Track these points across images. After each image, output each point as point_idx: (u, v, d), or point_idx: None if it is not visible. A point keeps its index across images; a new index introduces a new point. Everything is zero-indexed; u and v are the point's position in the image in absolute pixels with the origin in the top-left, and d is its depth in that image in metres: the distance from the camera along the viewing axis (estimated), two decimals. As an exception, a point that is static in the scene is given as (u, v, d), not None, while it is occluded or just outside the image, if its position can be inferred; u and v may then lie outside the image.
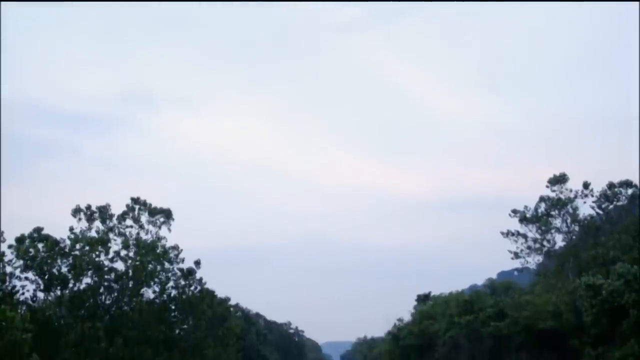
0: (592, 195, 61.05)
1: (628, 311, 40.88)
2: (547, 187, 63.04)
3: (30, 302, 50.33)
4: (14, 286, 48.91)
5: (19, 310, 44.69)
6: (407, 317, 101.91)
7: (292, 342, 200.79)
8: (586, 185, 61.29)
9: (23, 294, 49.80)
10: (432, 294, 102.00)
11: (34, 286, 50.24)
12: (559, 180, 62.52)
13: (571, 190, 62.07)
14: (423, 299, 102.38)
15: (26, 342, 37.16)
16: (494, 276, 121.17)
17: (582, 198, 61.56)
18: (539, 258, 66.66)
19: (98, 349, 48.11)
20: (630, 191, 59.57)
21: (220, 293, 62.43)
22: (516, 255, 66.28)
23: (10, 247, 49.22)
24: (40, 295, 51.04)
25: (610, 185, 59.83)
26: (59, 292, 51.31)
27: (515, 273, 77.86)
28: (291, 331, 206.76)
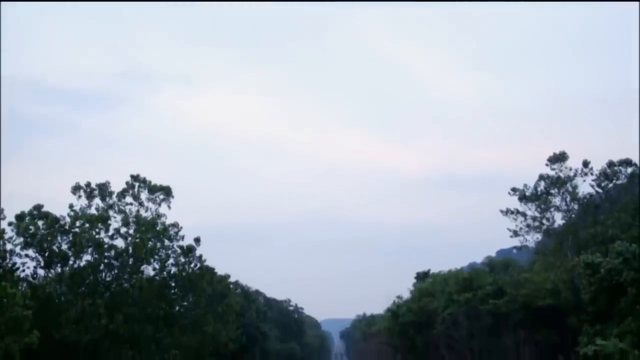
0: (592, 174, 60.92)
1: (626, 289, 41.01)
2: (547, 165, 62.91)
3: (30, 279, 50.53)
4: (15, 263, 49.04)
5: (20, 287, 44.84)
6: (406, 295, 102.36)
7: (292, 319, 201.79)
8: (586, 164, 61.14)
9: (23, 271, 50.04)
10: (431, 272, 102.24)
11: (34, 263, 50.45)
12: (559, 158, 62.36)
13: (571, 169, 61.96)
14: (422, 276, 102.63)
15: (27, 318, 37.36)
16: (493, 254, 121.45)
17: (581, 176, 61.46)
18: (538, 236, 66.73)
19: (98, 326, 48.35)
20: (629, 170, 59.41)
21: (220, 270, 62.71)
22: (515, 234, 66.31)
23: (10, 224, 49.27)
24: (41, 272, 51.27)
25: (610, 164, 59.67)
26: (59, 269, 51.48)
27: (514, 251, 77.86)
28: (291, 308, 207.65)
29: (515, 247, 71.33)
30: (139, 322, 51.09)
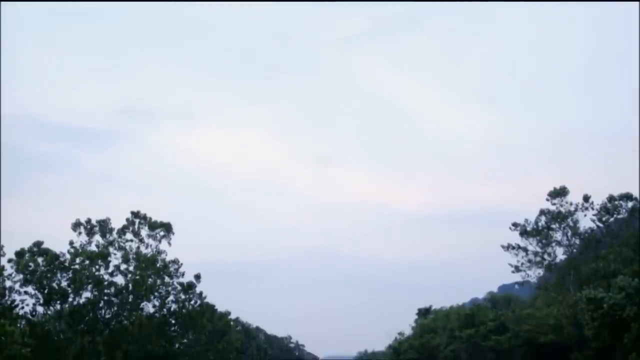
0: (593, 208, 60.94)
1: (629, 324, 40.68)
2: (548, 200, 62.95)
3: (29, 316, 50.27)
4: (14, 300, 48.86)
5: (19, 325, 44.64)
6: (408, 331, 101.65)
7: (293, 356, 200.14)
8: (586, 199, 61.19)
9: (22, 308, 49.80)
10: (433, 308, 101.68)
11: (33, 300, 50.27)
12: (559, 193, 62.44)
13: (571, 204, 61.99)
14: (424, 312, 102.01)
15: (26, 356, 37.10)
16: (495, 290, 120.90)
17: (582, 211, 61.46)
18: (540, 271, 66.45)
19: (98, 363, 47.95)
20: (630, 204, 59.45)
21: (220, 307, 62.45)
22: (517, 269, 66.07)
23: (10, 261, 49.24)
24: (40, 309, 51.04)
25: (611, 198, 59.73)
26: (58, 306, 51.24)
27: (516, 286, 77.54)
28: (291, 345, 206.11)
29: (517, 283, 71.04)
30: (139, 359, 50.68)
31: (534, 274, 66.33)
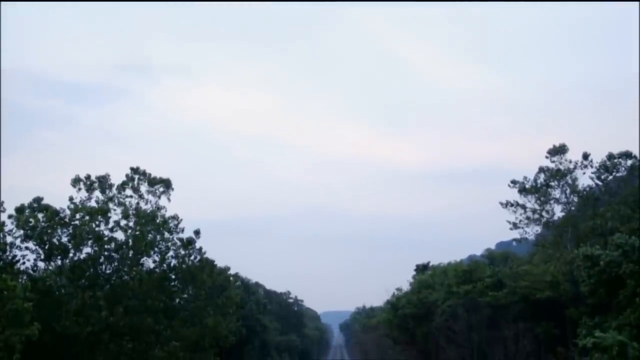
0: (592, 166, 60.95)
1: (625, 281, 41.09)
2: (547, 157, 62.92)
3: (31, 271, 50.60)
4: (15, 256, 49.07)
5: (20, 280, 44.93)
6: (405, 287, 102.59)
7: (292, 311, 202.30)
8: (586, 156, 61.16)
9: (24, 263, 50.05)
10: (431, 264, 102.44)
11: (34, 256, 50.46)
12: (559, 151, 62.37)
13: (570, 161, 61.97)
14: (422, 268, 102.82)
15: (27, 310, 37.48)
16: (493, 247, 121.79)
17: (581, 169, 61.48)
18: (538, 229, 66.82)
19: (99, 318, 48.46)
20: (629, 162, 59.43)
21: (220, 263, 62.78)
22: (515, 226, 66.40)
23: (10, 217, 49.28)
24: (41, 264, 51.33)
25: (610, 156, 59.67)
26: (59, 262, 51.56)
27: (514, 243, 78.00)
28: (290, 301, 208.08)
29: (514, 240, 71.44)
30: (139, 314, 51.17)
31: (532, 231, 66.72)
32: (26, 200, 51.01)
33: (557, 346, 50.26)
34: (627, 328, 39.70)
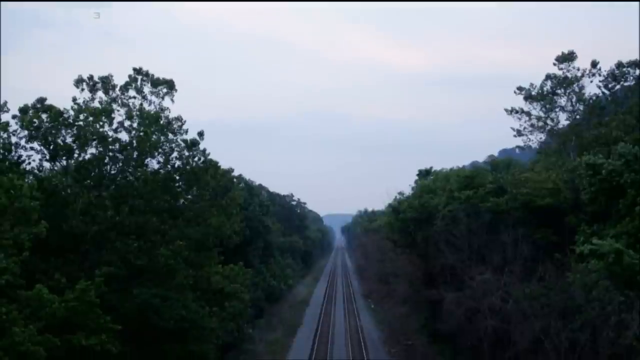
0: (600, 75, 60.25)
1: (626, 190, 41.38)
2: (555, 65, 62.10)
3: (36, 171, 51.04)
4: (20, 156, 49.39)
5: (27, 180, 45.36)
6: (407, 191, 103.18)
7: (295, 213, 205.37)
8: (594, 64, 60.30)
9: (29, 164, 50.44)
10: (433, 170, 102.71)
11: (39, 156, 50.74)
12: (567, 58, 61.49)
13: (579, 69, 61.21)
14: (424, 173, 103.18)
15: (35, 209, 38.06)
16: (496, 154, 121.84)
17: (589, 77, 60.82)
18: (542, 136, 66.86)
19: (105, 217, 49.17)
20: (638, 72, 58.66)
21: (223, 165, 62.95)
22: (519, 133, 66.43)
23: (14, 117, 49.25)
24: (47, 165, 51.72)
25: (619, 65, 58.80)
26: (64, 162, 51.90)
27: (517, 151, 78.19)
28: (294, 203, 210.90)
29: (518, 147, 71.66)
30: (145, 213, 51.88)
31: (536, 139, 66.84)
32: (29, 101, 50.86)
33: (555, 252, 51.14)
34: (624, 236, 40.31)
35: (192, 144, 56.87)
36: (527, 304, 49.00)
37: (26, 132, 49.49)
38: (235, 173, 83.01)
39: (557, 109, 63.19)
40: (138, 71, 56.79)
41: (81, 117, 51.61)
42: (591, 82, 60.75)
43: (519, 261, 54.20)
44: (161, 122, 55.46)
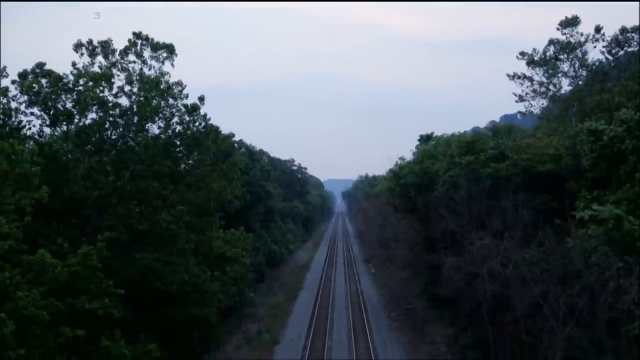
0: (603, 40, 59.68)
1: (627, 157, 41.37)
2: (558, 29, 61.49)
3: (37, 137, 50.99)
4: (20, 121, 49.30)
5: (27, 145, 45.36)
6: (408, 156, 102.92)
7: (296, 178, 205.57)
8: (598, 29, 59.71)
9: (30, 129, 50.35)
10: (434, 135, 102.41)
11: (39, 121, 50.65)
12: (570, 23, 60.86)
13: (582, 34, 60.63)
14: (425, 139, 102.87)
15: (36, 174, 38.16)
16: (497, 119, 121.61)
17: (592, 42, 60.27)
18: (544, 102, 66.51)
19: (106, 182, 49.27)
20: (642, 37, 58.09)
21: (224, 130, 62.80)
22: (521, 98, 66.08)
23: (13, 82, 49.02)
24: (47, 130, 51.64)
25: (623, 30, 58.23)
26: (65, 128, 51.82)
27: (519, 116, 77.95)
28: (294, 168, 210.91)
29: (519, 112, 71.31)
30: (146, 178, 51.96)
31: (538, 105, 66.51)
32: (28, 66, 50.65)
33: (555, 218, 51.27)
34: (624, 202, 40.42)
35: (193, 109, 56.65)
36: (527, 269, 49.20)
37: (26, 98, 49.34)
38: (236, 138, 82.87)
39: (559, 75, 62.79)
40: (138, 35, 56.30)
41: (81, 82, 51.36)
42: (594, 47, 60.27)
43: (519, 227, 54.30)
44: (161, 86, 55.17)
